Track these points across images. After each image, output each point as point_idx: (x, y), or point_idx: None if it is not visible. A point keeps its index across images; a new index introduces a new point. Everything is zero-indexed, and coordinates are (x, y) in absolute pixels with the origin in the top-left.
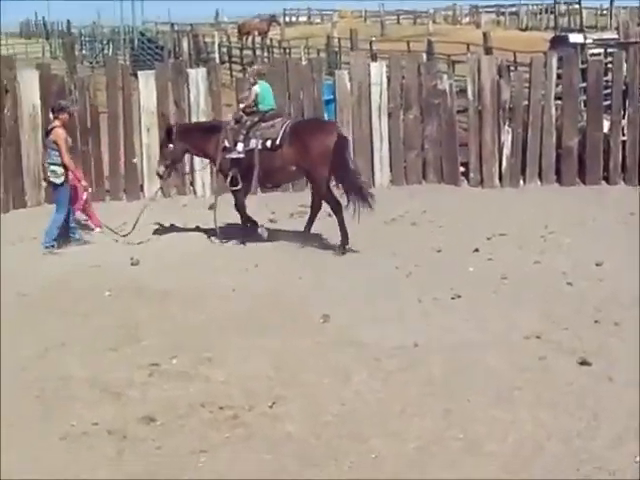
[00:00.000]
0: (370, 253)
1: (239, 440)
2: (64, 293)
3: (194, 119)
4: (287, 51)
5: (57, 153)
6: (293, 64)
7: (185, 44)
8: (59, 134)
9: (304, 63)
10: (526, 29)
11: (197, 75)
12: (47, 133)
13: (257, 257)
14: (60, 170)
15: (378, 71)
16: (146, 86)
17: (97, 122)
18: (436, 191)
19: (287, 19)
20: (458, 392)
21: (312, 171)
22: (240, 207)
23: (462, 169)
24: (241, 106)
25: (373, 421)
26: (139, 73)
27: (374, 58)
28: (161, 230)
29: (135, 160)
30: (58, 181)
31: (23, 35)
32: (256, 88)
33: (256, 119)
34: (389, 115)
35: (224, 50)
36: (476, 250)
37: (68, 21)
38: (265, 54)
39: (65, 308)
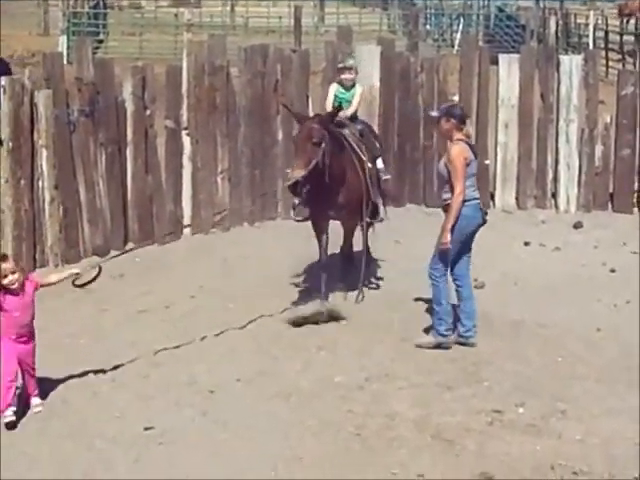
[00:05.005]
0: None
1: None
2: (389, 315)
3: (562, 116)
4: None
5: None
6: None
7: (552, 25)
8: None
9: None
10: None
11: (571, 63)
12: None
13: (630, 291)
14: None
15: None
16: (508, 74)
17: None
18: None
19: None
20: None
21: None
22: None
23: None
24: (343, 112)
25: None
26: (500, 57)
27: None
28: (512, 249)
29: (488, 162)
30: None
31: (356, 3)
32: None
33: None
34: None
35: (599, 34)
36: None
37: None
38: None
39: (395, 332)
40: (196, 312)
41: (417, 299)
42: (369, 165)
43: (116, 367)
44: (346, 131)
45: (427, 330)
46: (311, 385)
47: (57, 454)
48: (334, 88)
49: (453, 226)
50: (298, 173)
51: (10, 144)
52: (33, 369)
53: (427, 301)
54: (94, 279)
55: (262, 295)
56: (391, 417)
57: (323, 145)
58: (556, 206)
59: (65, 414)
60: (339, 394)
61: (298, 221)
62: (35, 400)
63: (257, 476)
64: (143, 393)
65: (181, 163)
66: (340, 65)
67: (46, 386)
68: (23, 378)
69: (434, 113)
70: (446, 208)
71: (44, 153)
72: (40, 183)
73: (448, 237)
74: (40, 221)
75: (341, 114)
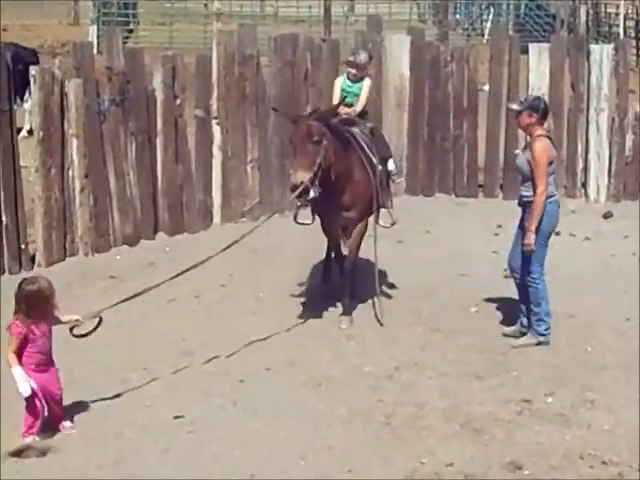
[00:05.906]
0: None
1: None
2: (418, 305)
3: (593, 105)
4: None
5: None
6: None
7: (583, 14)
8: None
9: None
10: None
11: (602, 53)
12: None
13: None
14: None
15: None
16: (538, 63)
17: (475, 102)
18: None
19: None
20: None
21: None
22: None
23: None
24: (352, 109)
25: None
26: (530, 46)
27: None
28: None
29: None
30: None
31: None
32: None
33: None
34: None
35: (630, 24)
36: None
37: None
38: None
39: (424, 322)
40: (226, 301)
41: (446, 289)
42: (379, 168)
43: (146, 356)
44: (355, 130)
45: (458, 320)
46: (341, 374)
47: (87, 442)
48: (340, 81)
49: (537, 226)
50: (302, 176)
51: (40, 133)
52: (58, 395)
53: (456, 291)
54: (94, 330)
55: (291, 285)
56: (420, 406)
57: (325, 143)
58: (586, 196)
59: (95, 403)
60: (368, 383)
61: (301, 224)
62: (66, 424)
63: (286, 465)
64: (173, 382)
65: (211, 152)
66: (350, 58)
67: (76, 375)
68: (48, 406)
69: (514, 106)
70: (524, 204)
71: (74, 142)
72: (70, 172)
73: (532, 238)
74: (70, 210)
75: (350, 111)
